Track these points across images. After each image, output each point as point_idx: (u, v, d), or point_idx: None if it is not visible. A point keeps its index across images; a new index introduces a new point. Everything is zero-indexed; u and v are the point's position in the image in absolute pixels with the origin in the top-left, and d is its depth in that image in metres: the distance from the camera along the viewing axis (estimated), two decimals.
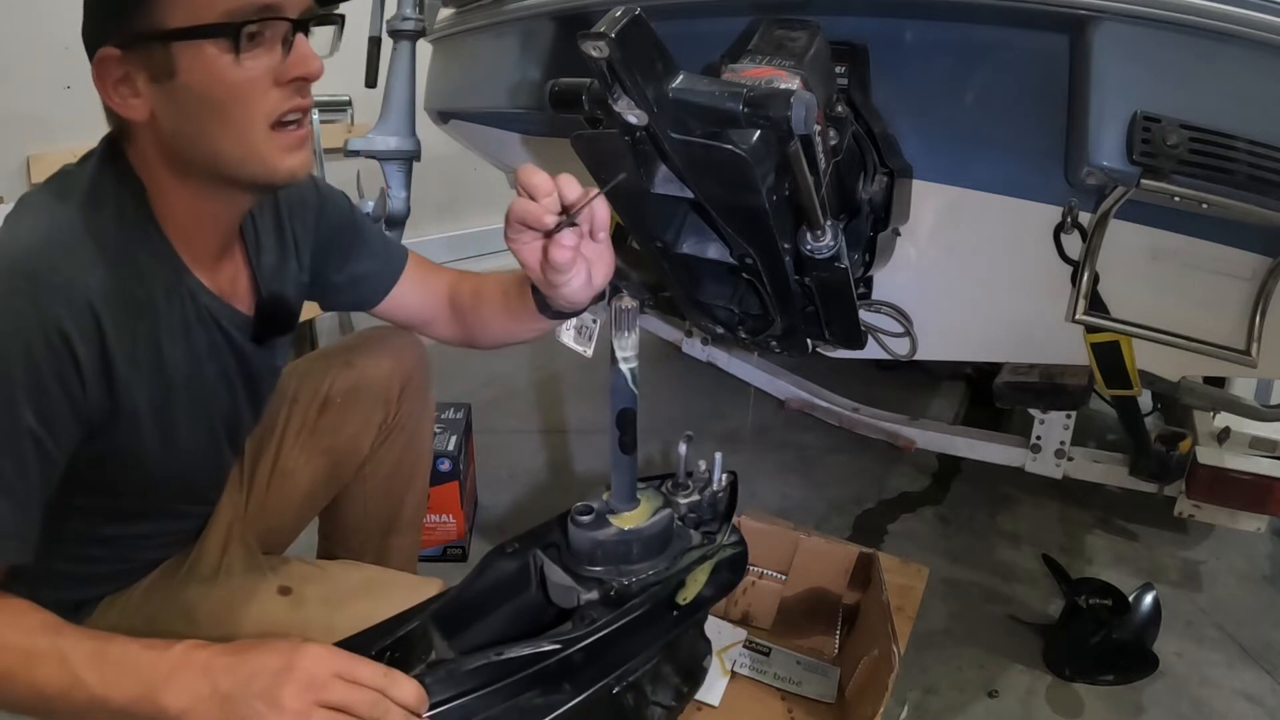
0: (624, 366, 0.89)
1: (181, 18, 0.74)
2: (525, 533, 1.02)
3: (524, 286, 1.03)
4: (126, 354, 0.80)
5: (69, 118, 2.48)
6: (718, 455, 1.07)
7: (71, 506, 0.86)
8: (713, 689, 1.27)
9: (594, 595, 0.92)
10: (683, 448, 1.05)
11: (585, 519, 0.94)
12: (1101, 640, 1.44)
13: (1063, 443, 1.74)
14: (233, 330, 0.94)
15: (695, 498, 1.04)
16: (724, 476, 1.08)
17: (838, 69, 1.08)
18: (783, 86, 0.85)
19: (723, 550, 1.02)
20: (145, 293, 0.82)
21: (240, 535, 1.09)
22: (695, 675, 1.05)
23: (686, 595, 0.96)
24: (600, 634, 0.88)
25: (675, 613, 0.95)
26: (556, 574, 0.95)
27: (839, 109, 1.05)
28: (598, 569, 0.94)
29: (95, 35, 0.78)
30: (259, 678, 0.67)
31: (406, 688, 0.72)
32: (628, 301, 0.87)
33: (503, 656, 0.83)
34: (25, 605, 0.72)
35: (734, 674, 1.31)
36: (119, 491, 0.89)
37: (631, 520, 0.96)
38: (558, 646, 0.86)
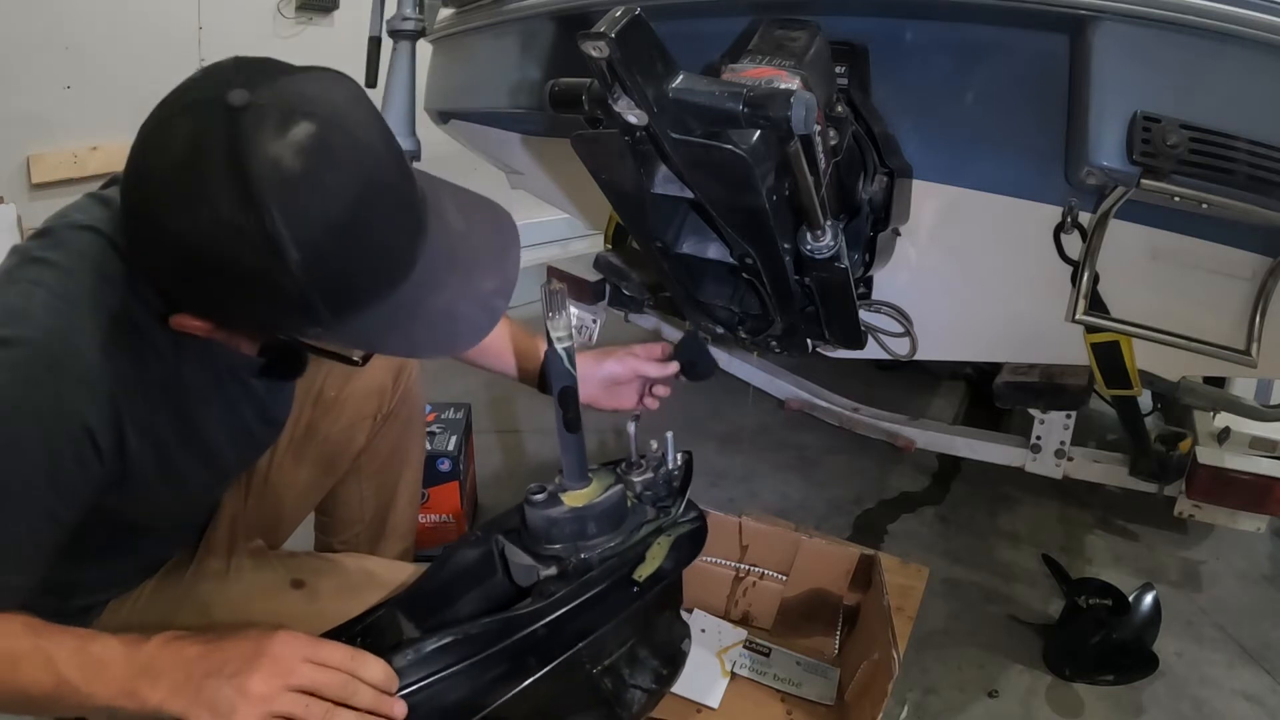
0: (559, 347, 0.91)
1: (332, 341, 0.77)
2: (488, 520, 1.06)
3: (529, 352, 1.16)
4: (145, 433, 0.80)
5: (69, 118, 2.48)
6: (669, 434, 1.09)
7: (78, 528, 0.86)
8: (712, 691, 1.27)
9: (553, 571, 0.95)
10: (631, 427, 1.08)
11: (539, 498, 0.97)
12: (1101, 640, 1.44)
13: (1063, 443, 1.74)
14: (252, 380, 0.94)
15: (649, 475, 1.07)
16: (679, 455, 1.11)
17: (838, 69, 1.08)
18: (783, 86, 0.85)
19: (680, 525, 1.06)
20: (171, 372, 0.81)
21: (245, 530, 1.10)
22: (674, 659, 1.06)
23: (646, 569, 0.99)
24: (561, 607, 0.90)
25: (635, 587, 0.97)
26: (517, 555, 0.98)
27: (839, 109, 1.05)
28: (555, 547, 0.97)
29: (182, 302, 0.74)
30: (230, 664, 0.69)
31: (374, 667, 0.74)
32: (556, 284, 0.89)
33: (466, 631, 0.86)
34: (5, 613, 0.72)
35: (734, 675, 1.31)
36: (124, 514, 0.89)
37: (583, 498, 0.98)
38: (519, 618, 0.88)
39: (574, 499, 0.98)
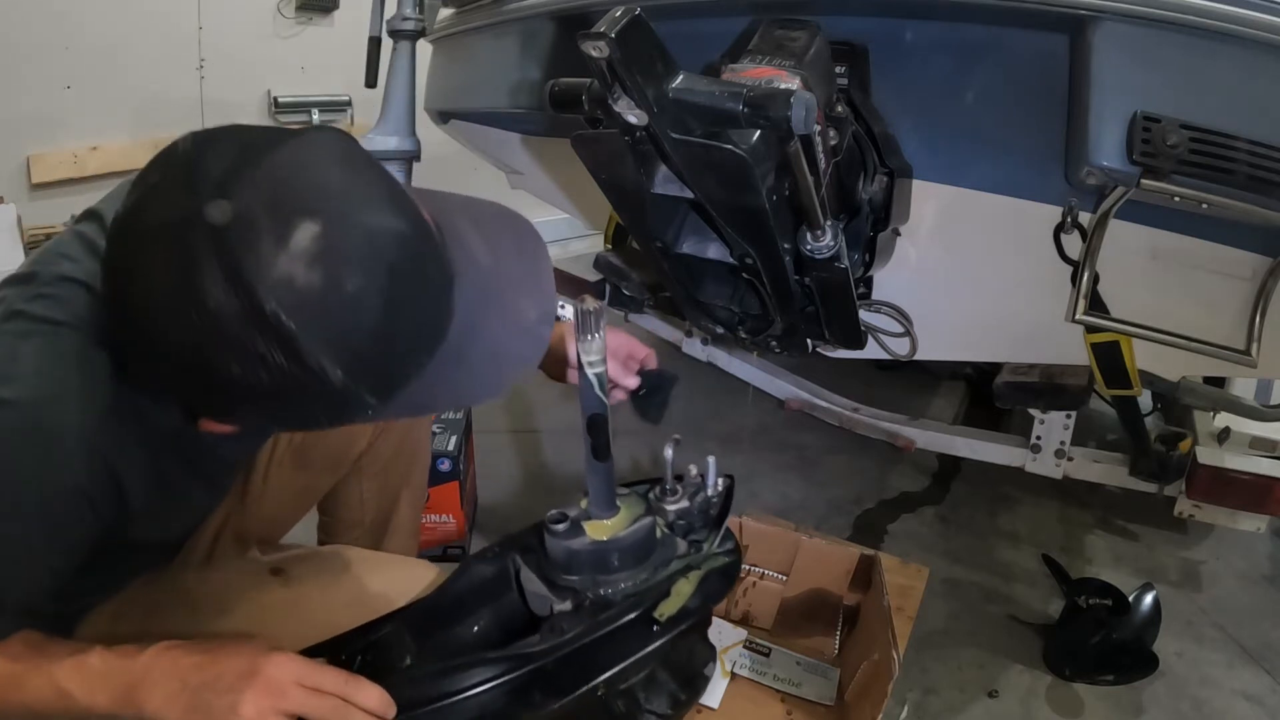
0: (590, 372, 0.85)
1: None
2: (505, 537, 1.00)
3: None
4: (146, 476, 0.78)
5: (69, 118, 2.48)
6: (711, 459, 1.01)
7: None
8: (712, 691, 1.26)
9: (567, 605, 0.90)
10: (668, 451, 0.99)
11: (559, 527, 0.91)
12: (1101, 640, 1.44)
13: (1063, 443, 1.74)
14: None
15: (684, 504, 0.99)
16: (719, 481, 1.03)
17: (838, 69, 1.08)
18: (783, 86, 0.85)
19: (712, 560, 0.97)
20: (169, 422, 0.79)
21: (234, 526, 1.10)
22: (695, 683, 1.01)
23: (670, 607, 0.92)
24: (572, 645, 0.85)
25: (655, 626, 0.90)
26: (532, 582, 0.93)
27: (839, 109, 1.05)
28: (573, 579, 0.91)
29: (205, 414, 0.71)
30: (224, 679, 0.69)
31: (370, 693, 0.72)
32: (592, 303, 0.82)
33: (469, 662, 0.83)
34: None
35: (734, 675, 1.30)
36: (124, 539, 0.89)
37: (608, 530, 0.92)
38: (526, 655, 0.84)
39: (598, 530, 0.91)
